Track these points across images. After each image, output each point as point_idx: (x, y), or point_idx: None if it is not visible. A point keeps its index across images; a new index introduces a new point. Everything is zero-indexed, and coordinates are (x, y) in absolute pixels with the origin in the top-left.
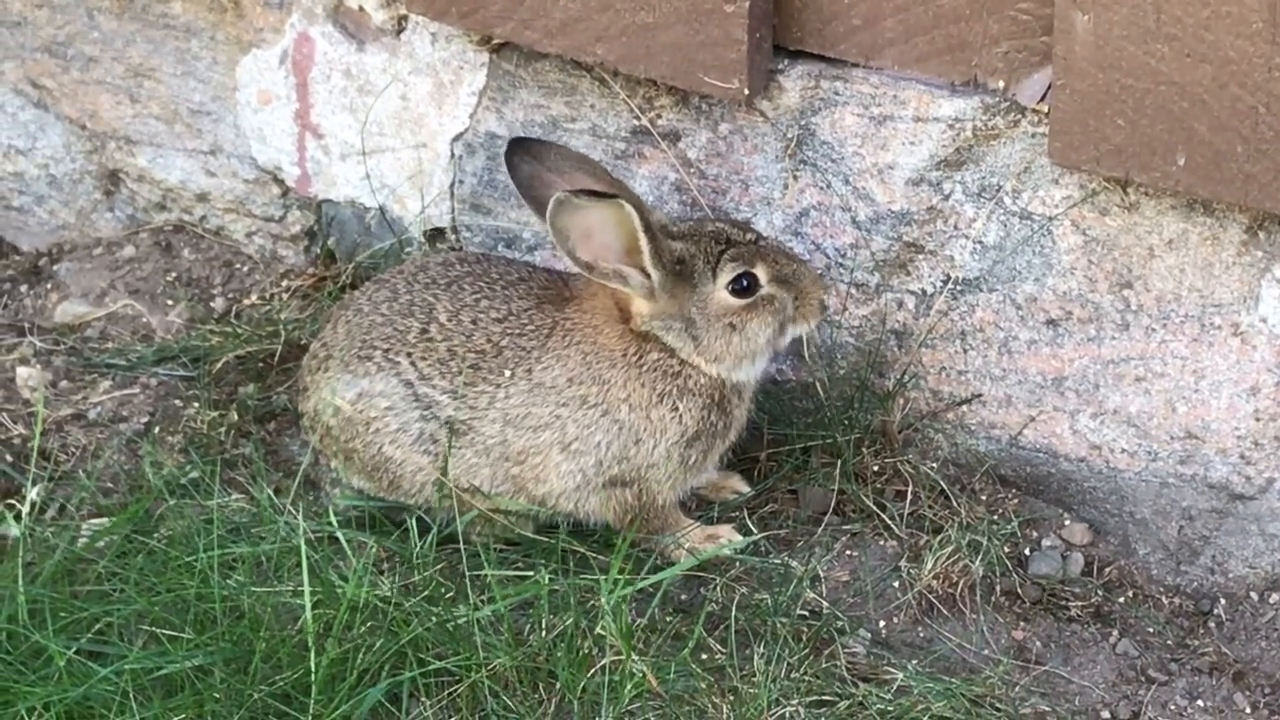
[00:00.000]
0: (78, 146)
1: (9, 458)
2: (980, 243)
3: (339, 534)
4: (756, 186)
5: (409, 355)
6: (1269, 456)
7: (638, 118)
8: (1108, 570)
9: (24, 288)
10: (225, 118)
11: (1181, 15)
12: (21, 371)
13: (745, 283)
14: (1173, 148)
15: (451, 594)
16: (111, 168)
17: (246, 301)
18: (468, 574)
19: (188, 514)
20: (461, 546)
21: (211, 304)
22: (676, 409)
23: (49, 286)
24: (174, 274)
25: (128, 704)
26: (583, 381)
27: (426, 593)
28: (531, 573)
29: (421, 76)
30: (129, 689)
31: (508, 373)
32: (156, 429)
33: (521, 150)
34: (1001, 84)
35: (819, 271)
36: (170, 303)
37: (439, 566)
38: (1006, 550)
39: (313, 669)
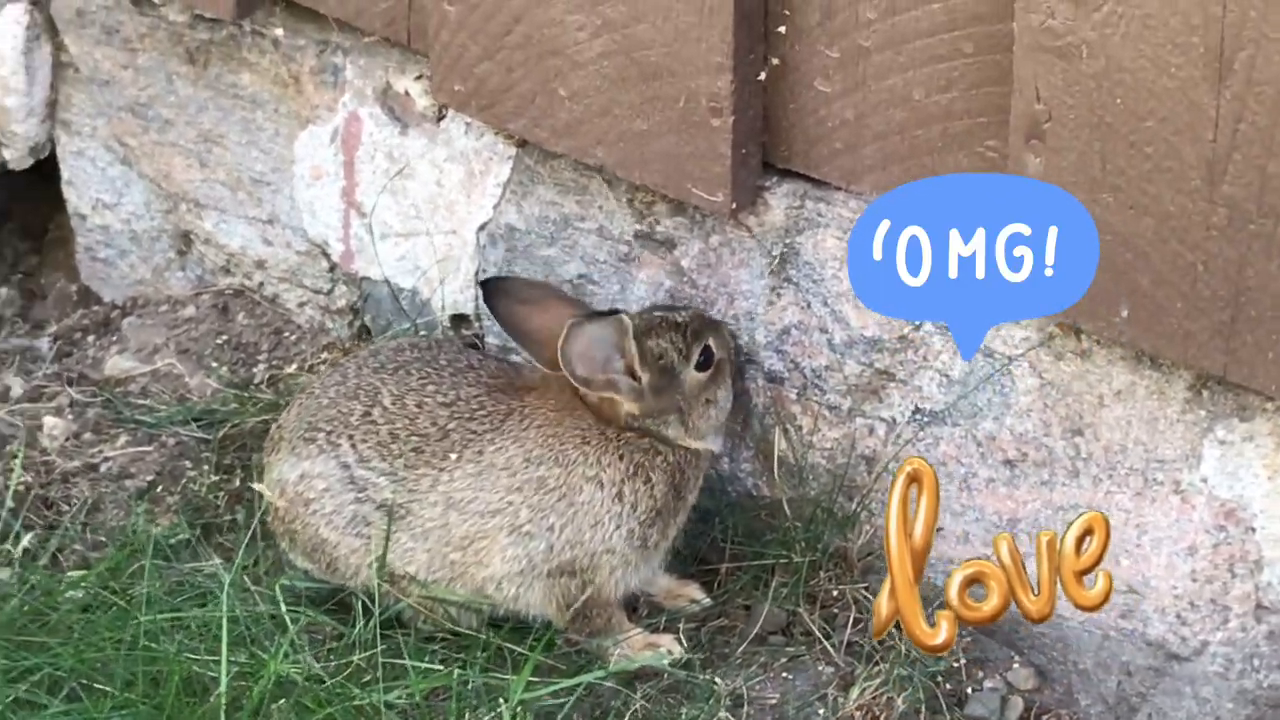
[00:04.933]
0: (156, 205)
1: (11, 504)
2: (946, 375)
3: (282, 609)
4: (741, 300)
5: (350, 438)
6: (1204, 619)
7: (639, 221)
8: (1046, 718)
9: (91, 338)
10: (283, 189)
11: (1125, 166)
12: (48, 421)
13: (705, 356)
14: (1117, 298)
15: (368, 679)
16: (183, 228)
17: (286, 370)
18: (380, 662)
19: (160, 574)
20: (377, 634)
21: (254, 369)
22: (650, 481)
23: (113, 339)
24: (225, 337)
25: None
26: (543, 462)
27: (345, 674)
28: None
29: (455, 164)
30: None
31: (453, 455)
32: (158, 488)
33: (495, 291)
34: None
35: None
36: (214, 364)
37: (379, 649)
38: (948, 688)
39: None
